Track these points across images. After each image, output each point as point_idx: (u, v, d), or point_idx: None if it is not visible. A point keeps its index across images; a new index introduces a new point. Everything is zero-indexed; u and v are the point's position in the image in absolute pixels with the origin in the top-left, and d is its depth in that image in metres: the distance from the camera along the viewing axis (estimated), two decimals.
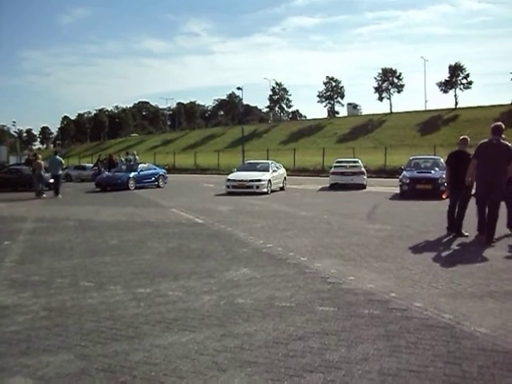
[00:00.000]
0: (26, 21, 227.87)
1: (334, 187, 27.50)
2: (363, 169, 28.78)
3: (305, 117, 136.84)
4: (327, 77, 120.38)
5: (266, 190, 24.85)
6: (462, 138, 12.63)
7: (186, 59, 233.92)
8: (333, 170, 28.93)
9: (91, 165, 42.42)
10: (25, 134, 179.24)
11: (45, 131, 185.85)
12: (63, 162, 30.35)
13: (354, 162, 30.65)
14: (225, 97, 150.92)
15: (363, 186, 27.61)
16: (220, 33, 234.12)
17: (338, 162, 30.24)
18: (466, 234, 11.64)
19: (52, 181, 28.10)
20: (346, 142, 75.62)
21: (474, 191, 11.69)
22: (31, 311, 6.58)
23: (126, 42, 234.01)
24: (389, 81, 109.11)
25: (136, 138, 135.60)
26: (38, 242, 12.04)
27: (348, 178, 27.72)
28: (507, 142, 10.93)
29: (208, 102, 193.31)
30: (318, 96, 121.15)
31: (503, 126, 11.13)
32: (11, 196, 27.41)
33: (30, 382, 4.50)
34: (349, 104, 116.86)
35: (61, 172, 28.64)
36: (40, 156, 29.59)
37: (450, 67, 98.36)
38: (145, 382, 4.44)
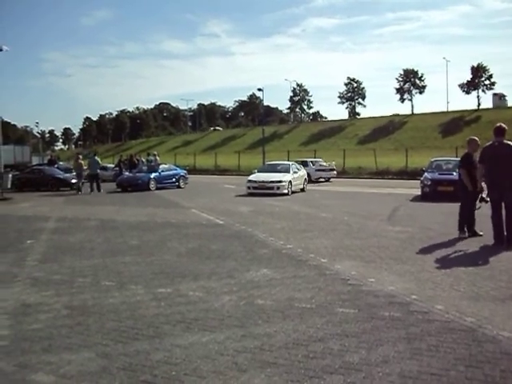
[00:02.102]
0: (47, 22, 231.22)
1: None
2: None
3: (325, 118, 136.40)
4: (348, 78, 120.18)
5: (286, 191, 24.81)
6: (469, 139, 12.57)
7: (206, 60, 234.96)
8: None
9: (112, 165, 42.66)
10: (47, 135, 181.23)
11: (67, 132, 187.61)
12: (100, 161, 32.47)
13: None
14: (245, 98, 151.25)
15: None
16: (240, 34, 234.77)
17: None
18: (481, 233, 11.55)
19: (74, 181, 30.02)
20: (366, 144, 75.24)
21: (484, 195, 11.61)
22: (53, 310, 6.66)
23: (145, 43, 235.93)
24: (410, 82, 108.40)
25: (156, 139, 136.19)
26: (59, 242, 12.17)
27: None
28: (510, 142, 10.81)
29: (228, 103, 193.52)
30: (339, 97, 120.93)
31: (505, 126, 11.03)
32: (36, 195, 27.71)
33: (53, 379, 4.55)
34: (494, 94, 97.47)
35: (99, 171, 30.40)
36: (81, 157, 31.70)
37: (473, 68, 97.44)
38: (165, 381, 4.46)
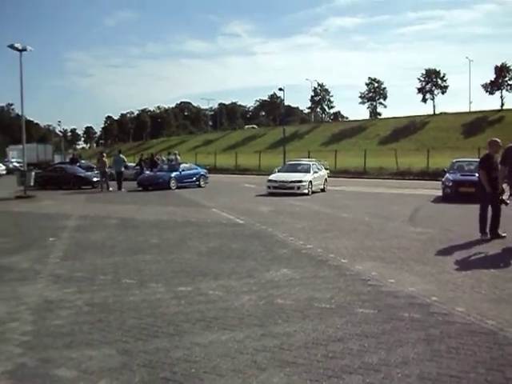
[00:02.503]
0: (70, 23, 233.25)
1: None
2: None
3: (346, 118, 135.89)
4: (369, 78, 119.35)
5: (306, 191, 24.77)
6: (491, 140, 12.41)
7: (227, 60, 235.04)
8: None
9: (133, 164, 42.93)
10: (69, 134, 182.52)
11: (89, 131, 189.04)
12: (125, 159, 33.32)
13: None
14: (266, 97, 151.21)
15: None
16: (261, 34, 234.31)
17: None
18: (504, 234, 11.45)
19: (96, 179, 31.13)
20: (388, 144, 74.77)
21: (505, 197, 11.51)
22: (75, 306, 6.75)
23: (167, 43, 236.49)
24: (432, 82, 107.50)
25: (177, 138, 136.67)
26: (81, 239, 12.29)
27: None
28: None
29: (249, 102, 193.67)
30: (360, 97, 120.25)
31: None
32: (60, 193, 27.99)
33: (75, 374, 4.62)
34: None
35: (123, 169, 31.25)
36: (105, 155, 32.11)
37: (496, 68, 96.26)
38: (185, 378, 4.51)
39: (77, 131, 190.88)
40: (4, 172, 53.11)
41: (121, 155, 32.57)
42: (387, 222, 14.71)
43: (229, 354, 5.00)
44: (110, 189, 29.73)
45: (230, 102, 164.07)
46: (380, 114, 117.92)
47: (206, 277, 8.23)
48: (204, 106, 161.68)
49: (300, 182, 24.88)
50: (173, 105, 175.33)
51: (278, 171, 28.02)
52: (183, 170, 31.47)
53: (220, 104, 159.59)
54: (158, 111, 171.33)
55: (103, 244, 11.56)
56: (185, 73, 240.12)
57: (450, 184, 21.26)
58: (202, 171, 33.25)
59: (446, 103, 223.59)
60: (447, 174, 22.24)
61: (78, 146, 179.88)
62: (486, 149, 12.72)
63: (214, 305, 6.67)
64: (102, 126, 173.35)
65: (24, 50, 27.55)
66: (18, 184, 27.38)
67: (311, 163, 28.53)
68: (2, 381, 4.53)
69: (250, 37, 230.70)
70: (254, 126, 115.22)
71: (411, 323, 5.84)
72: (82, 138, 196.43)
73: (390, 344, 5.20)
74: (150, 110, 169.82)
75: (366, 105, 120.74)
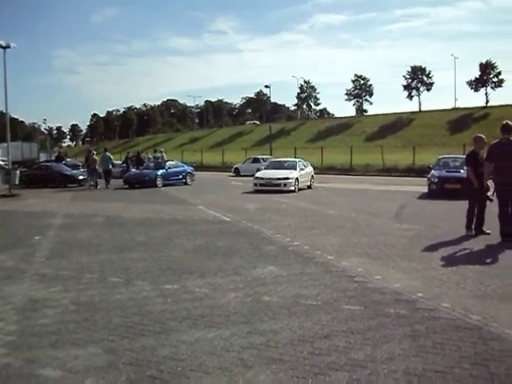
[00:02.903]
0: (57, 20, 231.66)
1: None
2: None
3: (333, 115, 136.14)
4: (355, 75, 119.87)
5: (293, 188, 24.80)
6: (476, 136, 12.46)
7: (213, 57, 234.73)
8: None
9: (120, 162, 42.77)
10: (55, 132, 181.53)
11: (74, 128, 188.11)
12: (112, 157, 33.33)
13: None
14: (252, 95, 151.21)
15: None
16: (247, 31, 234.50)
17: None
18: (488, 231, 11.52)
19: (82, 177, 31.01)
20: (374, 141, 75.06)
21: (490, 194, 11.59)
22: (61, 305, 6.71)
23: (153, 40, 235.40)
24: (418, 79, 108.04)
25: (163, 135, 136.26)
26: (67, 238, 12.24)
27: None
28: None
29: (236, 99, 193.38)
30: (346, 94, 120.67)
31: None
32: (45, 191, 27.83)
33: (60, 374, 4.59)
34: None
35: (110, 166, 31.61)
36: (95, 152, 32.89)
37: (481, 65, 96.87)
38: (171, 376, 4.49)
39: (62, 129, 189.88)
40: None
41: (107, 153, 32.71)
42: (373, 219, 14.76)
43: (215, 352, 5.00)
44: (99, 186, 29.99)
45: (216, 100, 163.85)
46: (366, 111, 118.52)
47: (192, 274, 8.22)
48: (190, 104, 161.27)
49: (287, 179, 24.91)
50: (159, 102, 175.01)
51: (265, 168, 28.03)
52: (169, 168, 31.42)
53: (206, 101, 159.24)
54: (144, 109, 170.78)
55: (89, 242, 11.50)
56: (171, 70, 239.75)
57: (436, 180, 21.36)
58: (189, 169, 33.21)
59: (432, 100, 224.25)
60: (433, 171, 22.34)
61: (63, 144, 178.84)
62: (471, 145, 12.80)
63: (200, 302, 6.66)
64: (88, 123, 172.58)
65: (8, 47, 27.36)
66: (2, 182, 27.24)
67: (297, 160, 28.59)
68: None
69: (236, 34, 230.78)
70: (256, 122, 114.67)
71: (397, 319, 5.87)
72: (68, 136, 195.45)
73: (376, 340, 5.22)
74: (136, 108, 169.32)
75: (352, 102, 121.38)
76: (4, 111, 34.10)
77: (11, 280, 8.16)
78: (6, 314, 6.41)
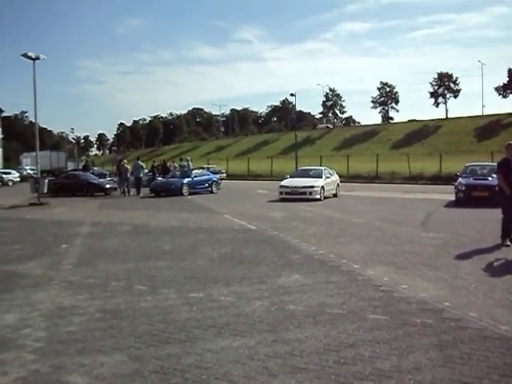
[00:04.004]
0: (82, 31, 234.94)
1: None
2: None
3: (358, 123, 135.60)
4: (381, 82, 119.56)
5: (318, 196, 24.72)
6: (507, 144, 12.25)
7: (238, 66, 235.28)
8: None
9: (146, 171, 43.11)
10: (82, 141, 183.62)
11: (101, 138, 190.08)
12: (144, 166, 35.05)
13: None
14: (278, 103, 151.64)
15: None
16: (272, 39, 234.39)
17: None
18: None
19: (108, 186, 31.09)
20: (400, 148, 74.52)
21: None
22: (87, 313, 6.78)
23: (178, 49, 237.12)
24: (445, 86, 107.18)
25: (189, 144, 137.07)
26: (94, 246, 12.36)
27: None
28: None
29: (261, 108, 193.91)
30: (372, 102, 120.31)
31: None
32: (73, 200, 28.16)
33: (86, 381, 4.64)
34: None
35: (142, 175, 32.90)
36: (126, 161, 34.14)
37: (509, 71, 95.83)
38: None
39: (90, 138, 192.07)
40: (18, 179, 53.51)
41: (139, 161, 34.06)
42: (399, 227, 14.65)
43: (240, 361, 5.00)
44: (131, 194, 31.20)
45: (241, 108, 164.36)
46: (392, 119, 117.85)
47: (217, 283, 8.24)
48: (216, 112, 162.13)
49: (312, 187, 24.84)
50: (185, 111, 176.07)
51: (290, 177, 28.00)
52: (195, 176, 31.54)
53: (232, 110, 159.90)
54: (170, 117, 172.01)
55: (116, 250, 11.61)
56: (196, 79, 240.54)
57: (463, 188, 21.14)
58: (215, 177, 33.29)
59: (459, 107, 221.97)
60: (460, 179, 22.11)
61: (90, 153, 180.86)
62: (500, 152, 12.62)
63: (225, 311, 6.68)
64: (115, 132, 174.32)
65: (37, 58, 27.84)
66: (31, 191, 27.58)
67: (323, 168, 28.50)
68: None
69: (261, 43, 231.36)
70: (329, 125, 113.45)
71: (423, 329, 5.81)
72: (95, 145, 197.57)
73: (402, 350, 5.18)
74: (162, 117, 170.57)
75: (378, 109, 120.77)
76: (33, 121, 34.63)
77: (39, 287, 8.28)
78: (34, 320, 6.51)
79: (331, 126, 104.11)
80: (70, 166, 68.65)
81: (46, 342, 5.67)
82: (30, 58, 27.54)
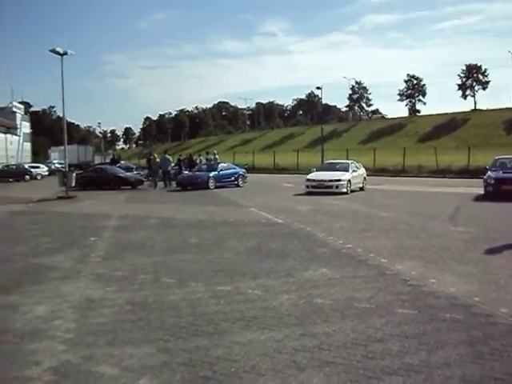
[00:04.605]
0: (107, 27, 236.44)
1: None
2: None
3: (385, 116, 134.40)
4: (408, 74, 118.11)
5: (345, 190, 24.61)
6: None
7: (263, 59, 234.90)
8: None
9: (172, 164, 43.33)
10: (109, 135, 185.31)
11: (128, 132, 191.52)
12: (171, 159, 35.57)
13: None
14: (303, 96, 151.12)
15: None
16: (297, 32, 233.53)
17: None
18: None
19: (134, 179, 31.38)
20: (427, 142, 73.74)
21: None
22: (116, 305, 6.85)
23: (202, 43, 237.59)
24: (473, 77, 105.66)
25: (215, 138, 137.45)
26: (121, 239, 12.47)
27: None
28: None
29: (287, 101, 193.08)
30: (399, 94, 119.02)
31: None
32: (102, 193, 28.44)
33: (116, 372, 4.69)
34: None
35: (169, 168, 33.52)
36: (156, 155, 34.89)
37: None
38: (224, 377, 4.53)
39: (116, 132, 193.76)
40: (46, 173, 54.24)
41: (167, 155, 34.72)
42: (427, 221, 14.52)
43: (268, 354, 5.01)
44: (158, 187, 31.83)
45: (267, 102, 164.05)
46: (419, 112, 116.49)
47: (244, 276, 8.26)
48: (241, 106, 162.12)
49: (339, 180, 24.74)
50: (210, 105, 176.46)
51: (317, 170, 27.89)
52: (222, 170, 31.59)
53: (257, 103, 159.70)
54: (195, 111, 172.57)
55: (143, 244, 11.70)
56: (221, 73, 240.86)
57: (492, 182, 20.85)
58: (241, 171, 33.31)
59: (488, 99, 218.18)
60: (489, 172, 21.82)
61: (117, 147, 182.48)
62: None
63: (253, 304, 6.69)
64: (141, 126, 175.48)
65: (65, 53, 28.13)
66: (59, 185, 27.93)
67: (350, 162, 28.34)
68: (47, 377, 4.64)
69: (286, 36, 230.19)
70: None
71: (453, 324, 5.76)
72: (122, 139, 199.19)
73: (431, 345, 5.13)
74: (187, 110, 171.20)
75: (405, 102, 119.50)
76: (61, 115, 35.05)
77: (68, 280, 8.39)
78: (64, 312, 6.60)
79: None
80: (97, 159, 69.42)
81: (76, 333, 5.74)
82: (58, 53, 27.86)
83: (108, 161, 53.94)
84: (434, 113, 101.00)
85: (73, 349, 5.28)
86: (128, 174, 34.94)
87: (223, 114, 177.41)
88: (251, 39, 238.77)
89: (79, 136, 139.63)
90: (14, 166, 52.99)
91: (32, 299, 7.26)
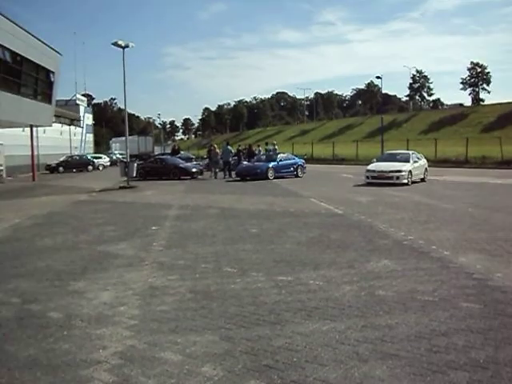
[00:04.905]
0: (167, 19, 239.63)
1: None
2: None
3: (446, 105, 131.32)
4: (472, 62, 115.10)
5: (406, 181, 24.20)
6: None
7: (322, 49, 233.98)
8: None
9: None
10: (168, 126, 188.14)
11: (187, 122, 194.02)
12: (233, 150, 36.14)
13: None
14: (363, 86, 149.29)
15: None
16: (355, 21, 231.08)
17: None
18: None
19: (195, 170, 33.04)
20: (491, 132, 71.66)
21: None
22: (178, 293, 6.97)
23: (261, 33, 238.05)
24: None
25: (273, 128, 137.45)
26: (182, 228, 12.66)
27: None
28: None
29: (346, 91, 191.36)
30: (462, 83, 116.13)
31: None
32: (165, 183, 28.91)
33: (180, 358, 4.77)
34: None
35: (230, 159, 33.80)
36: (216, 146, 35.65)
37: None
38: (286, 366, 4.53)
39: (175, 123, 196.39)
40: (108, 163, 55.60)
41: (228, 146, 35.28)
42: (492, 213, 14.12)
43: (330, 345, 4.99)
44: (220, 177, 32.35)
45: (326, 92, 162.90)
46: (483, 101, 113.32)
47: (306, 267, 8.25)
48: (300, 96, 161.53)
49: (399, 171, 24.35)
50: (269, 95, 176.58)
51: (377, 161, 27.53)
52: (281, 160, 31.57)
53: (316, 93, 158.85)
54: (254, 102, 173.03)
55: (204, 233, 11.83)
56: (280, 63, 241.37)
57: None
58: (300, 161, 33.19)
59: None
60: None
61: (176, 138, 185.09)
62: None
63: (314, 295, 6.67)
64: (200, 117, 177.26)
65: (126, 46, 28.70)
66: (121, 175, 28.59)
67: (411, 152, 27.84)
68: (114, 360, 4.76)
69: (345, 24, 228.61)
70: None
71: None
72: (181, 130, 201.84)
73: (498, 341, 5.00)
74: (246, 101, 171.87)
75: (468, 91, 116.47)
76: (121, 107, 35.83)
77: (132, 267, 8.59)
78: (128, 299, 6.76)
79: None
80: (157, 150, 70.59)
81: (140, 320, 5.88)
82: (119, 46, 28.48)
83: (167, 151, 54.80)
84: (499, 102, 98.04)
85: (137, 335, 5.41)
86: (188, 164, 35.38)
87: (282, 104, 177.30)
88: (310, 29, 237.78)
89: (139, 127, 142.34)
90: (78, 157, 54.55)
91: (97, 286, 7.47)
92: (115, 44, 28.40)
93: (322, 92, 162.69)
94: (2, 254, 10.22)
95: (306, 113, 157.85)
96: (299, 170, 31.92)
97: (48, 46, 36.05)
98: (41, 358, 4.90)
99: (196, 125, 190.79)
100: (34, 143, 38.35)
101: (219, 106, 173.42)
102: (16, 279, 8.06)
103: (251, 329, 5.49)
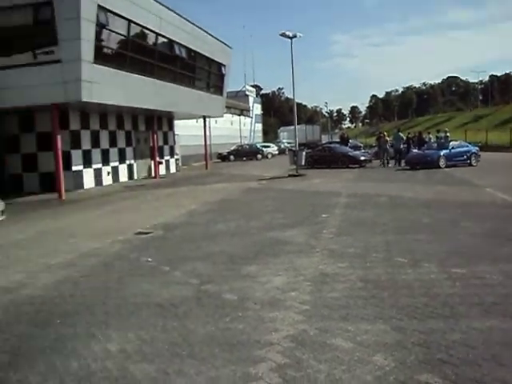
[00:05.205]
0: (335, 7, 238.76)
1: None
2: None
3: None
4: None
5: None
6: None
7: (499, 27, 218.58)
8: None
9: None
10: (335, 114, 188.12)
11: (353, 110, 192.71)
12: (404, 137, 35.14)
13: None
14: None
15: None
16: None
17: None
18: None
19: (363, 158, 32.80)
20: None
21: None
22: (349, 281, 6.98)
23: (429, 15, 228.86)
24: None
25: (444, 115, 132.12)
26: (351, 216, 12.64)
27: None
28: None
29: None
30: None
31: None
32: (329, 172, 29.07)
33: (351, 346, 4.79)
34: None
35: (402, 146, 33.13)
36: (386, 133, 34.88)
37: None
38: (461, 362, 4.36)
39: (342, 111, 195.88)
40: (276, 152, 56.96)
41: (400, 133, 34.82)
42: None
43: (511, 344, 4.71)
44: (390, 165, 32.03)
45: (503, 74, 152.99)
46: None
47: (482, 259, 7.83)
48: (473, 80, 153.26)
49: None
50: (439, 80, 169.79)
51: None
52: (453, 148, 30.24)
53: (491, 76, 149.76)
54: (423, 88, 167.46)
55: (373, 221, 11.71)
56: (451, 45, 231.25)
57: None
58: (474, 149, 31.52)
59: None
60: None
61: (343, 126, 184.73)
62: None
63: (491, 289, 6.31)
64: (367, 105, 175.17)
65: (294, 36, 29.15)
66: (290, 163, 29.16)
67: None
68: (285, 343, 4.91)
69: None
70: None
71: None
72: (348, 118, 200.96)
73: None
74: (415, 87, 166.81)
75: None
76: (289, 97, 36.47)
77: (302, 254, 8.76)
78: (300, 284, 6.91)
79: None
80: (324, 139, 70.88)
81: (311, 306, 5.98)
82: (287, 36, 29.02)
83: (335, 140, 54.84)
84: None
85: (309, 320, 5.51)
86: (356, 152, 35.18)
87: (453, 89, 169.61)
88: (484, 6, 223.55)
89: (306, 116, 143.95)
90: (247, 146, 56.61)
91: (269, 270, 7.71)
92: (283, 35, 28.98)
93: (498, 74, 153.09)
94: (180, 238, 10.92)
95: (480, 97, 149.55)
96: (473, 158, 30.30)
97: (219, 41, 37.59)
98: (218, 336, 5.19)
99: (363, 113, 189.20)
100: (207, 133, 40.32)
101: (387, 92, 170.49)
102: (193, 261, 8.58)
103: (424, 321, 5.35)
